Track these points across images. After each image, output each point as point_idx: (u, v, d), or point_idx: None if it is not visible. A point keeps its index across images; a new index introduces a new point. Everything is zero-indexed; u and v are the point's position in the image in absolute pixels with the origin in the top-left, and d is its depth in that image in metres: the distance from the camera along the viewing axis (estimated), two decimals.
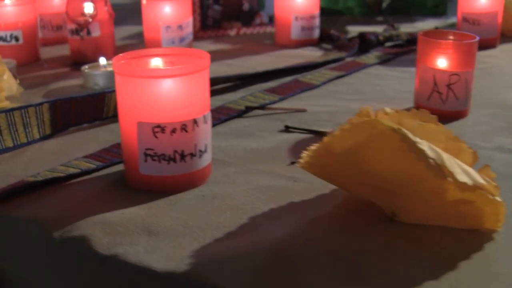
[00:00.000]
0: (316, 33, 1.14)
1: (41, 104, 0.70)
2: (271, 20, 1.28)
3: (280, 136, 0.71)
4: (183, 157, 0.56)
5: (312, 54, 1.08)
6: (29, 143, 0.70)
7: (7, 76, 0.83)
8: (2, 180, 0.60)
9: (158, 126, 0.55)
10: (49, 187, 0.58)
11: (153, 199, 0.56)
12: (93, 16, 1.03)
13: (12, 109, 0.68)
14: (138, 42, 1.18)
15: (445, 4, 1.44)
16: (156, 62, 0.60)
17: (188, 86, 0.56)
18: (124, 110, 0.57)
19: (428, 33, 0.79)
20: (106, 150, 0.66)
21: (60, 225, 0.52)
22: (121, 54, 0.59)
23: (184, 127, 0.56)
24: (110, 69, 0.91)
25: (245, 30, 1.26)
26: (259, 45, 1.16)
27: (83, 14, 1.04)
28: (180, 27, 1.03)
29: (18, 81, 0.85)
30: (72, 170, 0.61)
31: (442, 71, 0.75)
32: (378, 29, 1.27)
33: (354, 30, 1.27)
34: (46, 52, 1.13)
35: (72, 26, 1.04)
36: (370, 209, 0.52)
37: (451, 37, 0.78)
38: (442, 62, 0.75)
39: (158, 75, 0.55)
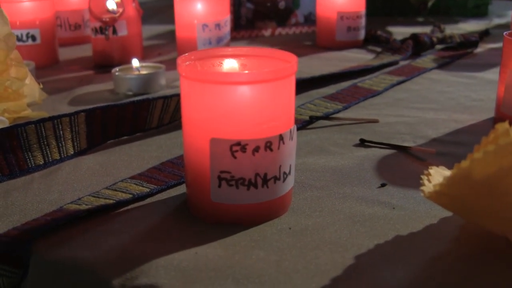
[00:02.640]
0: (362, 34, 1.04)
1: (76, 113, 0.59)
2: (307, 19, 1.17)
3: (357, 151, 0.60)
4: (265, 181, 0.45)
5: (362, 57, 0.98)
6: (62, 160, 0.59)
7: (29, 80, 0.72)
8: (35, 208, 0.49)
9: (238, 143, 0.44)
10: (96, 217, 0.47)
11: (230, 234, 0.45)
12: (120, 14, 0.92)
13: (43, 120, 0.57)
14: (168, 42, 1.08)
15: (486, 5, 1.34)
16: (231, 64, 0.49)
17: (274, 94, 0.45)
18: (193, 123, 0.46)
19: None
20: (157, 169, 0.55)
21: (119, 270, 0.41)
22: (184, 55, 0.49)
23: (268, 145, 0.45)
24: (144, 72, 0.80)
25: (280, 30, 1.15)
26: (299, 47, 1.06)
27: (108, 11, 0.93)
28: (218, 25, 0.92)
29: (41, 86, 0.74)
30: (122, 196, 0.50)
31: None
32: (421, 30, 1.17)
33: (396, 31, 1.17)
34: (64, 54, 1.02)
35: (96, 25, 0.93)
36: (499, 243, 0.42)
37: None
38: None
39: (239, 80, 0.44)
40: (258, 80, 0.44)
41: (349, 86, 0.80)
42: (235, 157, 0.44)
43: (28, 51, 0.93)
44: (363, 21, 1.03)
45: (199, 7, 0.91)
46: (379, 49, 1.02)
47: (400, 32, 1.16)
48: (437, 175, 0.45)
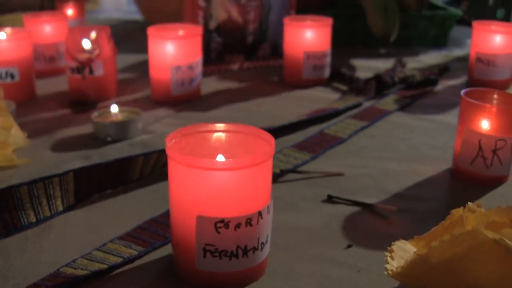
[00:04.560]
0: (327, 72, 1.10)
1: (66, 173, 0.63)
2: (274, 51, 1.22)
3: (325, 208, 0.66)
4: (245, 252, 0.51)
5: (328, 96, 1.04)
6: (52, 216, 0.63)
7: (15, 129, 0.75)
8: (33, 270, 0.53)
9: (222, 221, 0.49)
10: (91, 281, 0.52)
11: None
12: (96, 54, 0.96)
13: (35, 181, 0.61)
14: (141, 74, 1.11)
15: (446, 35, 1.41)
16: (215, 144, 0.54)
17: (254, 177, 0.50)
18: (180, 201, 0.51)
19: (471, 93, 0.75)
20: (142, 229, 0.60)
21: None
22: (172, 133, 0.53)
23: (249, 221, 0.50)
24: (122, 118, 0.84)
25: (248, 64, 1.20)
26: (267, 83, 1.11)
27: (84, 51, 0.97)
28: (190, 67, 0.97)
29: (26, 134, 0.77)
30: (113, 259, 0.54)
31: (489, 136, 0.72)
32: (383, 63, 1.24)
33: (359, 65, 1.23)
34: (41, 86, 1.05)
35: (73, 64, 0.96)
36: None
37: (495, 97, 0.75)
38: (488, 126, 0.72)
39: (223, 167, 0.49)
40: (240, 167, 0.49)
41: (316, 133, 0.86)
42: (219, 233, 0.50)
43: (6, 89, 0.94)
44: (328, 60, 1.09)
45: (172, 49, 0.95)
46: (343, 87, 1.08)
47: (363, 66, 1.22)
48: (400, 251, 0.50)
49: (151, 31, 0.97)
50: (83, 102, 0.97)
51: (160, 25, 1.00)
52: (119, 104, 0.96)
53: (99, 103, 0.98)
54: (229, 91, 1.06)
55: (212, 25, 1.14)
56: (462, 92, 0.74)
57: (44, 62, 1.12)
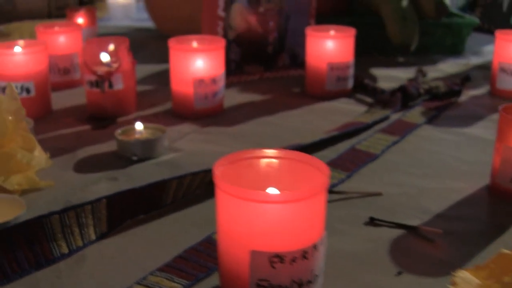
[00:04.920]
0: (351, 83, 1.07)
1: (98, 200, 0.60)
2: (293, 61, 1.20)
3: (368, 231, 0.63)
4: (300, 286, 0.48)
5: (353, 108, 1.01)
6: (85, 246, 0.59)
7: (38, 151, 0.72)
8: None
9: (277, 256, 0.46)
10: None
11: None
12: (116, 67, 0.93)
13: (66, 209, 0.58)
14: (159, 87, 1.08)
15: (463, 43, 1.39)
16: (264, 171, 0.51)
17: (310, 209, 0.47)
18: (230, 234, 0.48)
19: (509, 109, 0.72)
20: (183, 259, 0.57)
21: None
22: (219, 161, 0.50)
23: (304, 255, 0.47)
24: (147, 136, 0.81)
25: (268, 75, 1.17)
26: (288, 95, 1.08)
27: (104, 64, 0.94)
28: (213, 80, 0.93)
29: (48, 154, 0.74)
30: None
31: None
32: (402, 72, 1.22)
33: (380, 74, 1.20)
34: (56, 100, 1.02)
35: (91, 78, 0.93)
36: None
37: None
38: None
39: (278, 200, 0.46)
40: (296, 199, 0.46)
41: (348, 149, 0.83)
42: (273, 267, 0.47)
43: (22, 104, 0.92)
44: (351, 71, 1.06)
45: (195, 62, 0.92)
46: (367, 99, 1.05)
47: (382, 75, 1.19)
48: (463, 283, 0.48)
49: (173, 43, 0.94)
50: (102, 117, 0.94)
51: (181, 36, 0.96)
52: (140, 118, 0.93)
53: (118, 118, 0.95)
54: (252, 104, 1.03)
55: (232, 35, 1.11)
56: (500, 108, 0.71)
57: (58, 74, 1.09)
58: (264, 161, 0.52)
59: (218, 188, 0.48)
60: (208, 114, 0.95)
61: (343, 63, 1.04)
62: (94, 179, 0.74)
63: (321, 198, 0.48)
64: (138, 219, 0.64)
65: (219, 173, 0.49)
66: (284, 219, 0.47)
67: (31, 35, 1.50)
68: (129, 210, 0.63)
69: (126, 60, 0.94)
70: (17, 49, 0.94)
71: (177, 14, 1.42)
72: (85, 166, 0.78)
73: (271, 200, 0.46)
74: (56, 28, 1.11)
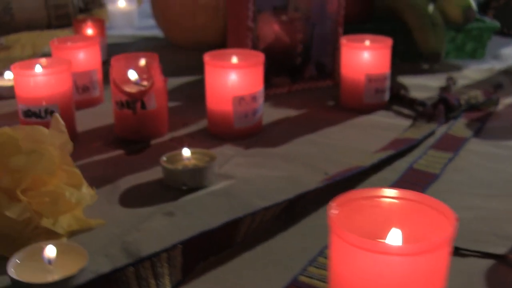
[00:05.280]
0: (387, 95, 1.02)
1: (174, 246, 0.54)
2: (320, 71, 1.14)
3: (456, 262, 0.58)
4: None
5: (394, 122, 0.96)
6: None
7: (85, 187, 0.65)
8: None
9: None
10: None
11: None
12: (149, 86, 0.86)
13: (141, 260, 0.52)
14: (187, 103, 1.01)
15: (484, 48, 1.35)
16: (381, 214, 0.46)
17: (436, 261, 0.42)
18: (347, 284, 0.43)
19: None
20: None
21: None
22: (332, 203, 0.45)
23: None
24: (195, 163, 0.75)
25: (296, 87, 1.12)
26: (324, 109, 1.03)
27: (133, 83, 0.87)
28: (254, 98, 0.88)
29: (94, 190, 0.67)
30: None
31: None
32: (429, 79, 1.18)
33: (410, 83, 1.16)
34: (77, 121, 0.95)
35: (122, 98, 0.86)
36: None
37: None
38: None
39: (402, 252, 0.41)
40: (421, 252, 0.41)
41: (407, 170, 0.78)
42: None
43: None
44: (388, 82, 1.01)
45: (234, 79, 0.86)
46: (404, 111, 1.01)
47: (412, 84, 1.15)
48: None
49: (209, 59, 0.88)
50: (133, 140, 0.88)
51: (215, 51, 0.90)
52: (176, 141, 0.87)
53: (152, 140, 0.88)
54: (288, 120, 0.98)
55: (260, 47, 1.05)
56: None
57: (76, 92, 1.02)
58: (381, 201, 0.47)
59: (333, 233, 0.43)
60: (248, 134, 0.89)
61: (381, 74, 0.99)
62: (146, 214, 0.68)
63: (446, 251, 0.43)
64: (210, 261, 0.58)
65: (335, 217, 0.44)
66: (405, 272, 0.42)
67: (34, 48, 1.42)
68: (203, 253, 0.57)
69: (159, 77, 0.88)
70: (38, 68, 0.87)
71: (188, 23, 1.36)
72: (131, 198, 0.72)
73: (394, 252, 0.41)
74: (72, 43, 1.03)
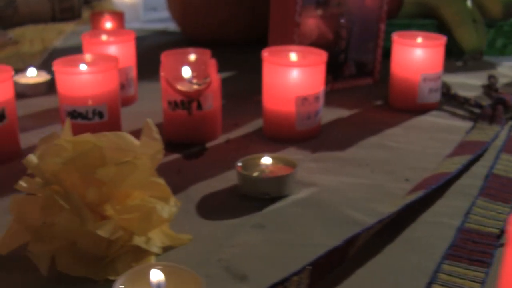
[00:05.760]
0: (439, 95, 0.98)
1: (303, 269, 0.48)
2: (360, 69, 1.10)
3: None
4: None
5: (452, 124, 0.92)
6: None
7: (173, 200, 0.59)
8: None
9: None
10: None
11: None
12: (207, 85, 0.80)
13: (274, 285, 0.46)
14: (229, 103, 0.94)
15: None
16: None
17: None
18: None
19: None
20: None
21: None
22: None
23: None
24: (274, 170, 0.69)
25: (338, 85, 1.07)
26: (374, 109, 0.98)
27: (191, 82, 0.81)
28: (317, 98, 0.82)
29: (179, 202, 0.61)
30: None
31: None
32: (468, 77, 1.14)
33: (449, 81, 1.12)
34: None
35: (176, 98, 0.80)
36: None
37: None
38: None
39: None
40: None
41: (488, 176, 0.74)
42: None
43: (94, 131, 0.77)
44: (440, 82, 0.97)
45: (297, 78, 0.81)
46: (457, 111, 0.97)
47: (453, 83, 1.11)
48: None
49: (268, 55, 0.82)
50: (187, 143, 0.81)
51: (274, 47, 0.85)
52: (233, 143, 0.82)
53: (207, 143, 0.82)
54: (342, 121, 0.93)
55: (305, 43, 1.00)
56: None
57: None
58: None
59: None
60: (309, 136, 0.84)
61: (435, 73, 0.95)
62: (232, 227, 0.62)
63: None
64: (325, 281, 0.53)
65: None
66: None
67: (43, 42, 1.33)
68: (324, 273, 0.52)
69: (215, 76, 0.81)
70: (83, 66, 0.79)
71: (208, 18, 1.29)
72: (209, 209, 0.66)
73: None
74: (106, 37, 0.96)
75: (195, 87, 0.80)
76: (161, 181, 0.58)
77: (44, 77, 1.06)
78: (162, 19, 1.59)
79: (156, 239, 0.56)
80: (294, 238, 0.60)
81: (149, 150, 0.56)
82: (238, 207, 0.66)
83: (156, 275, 0.48)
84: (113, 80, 0.81)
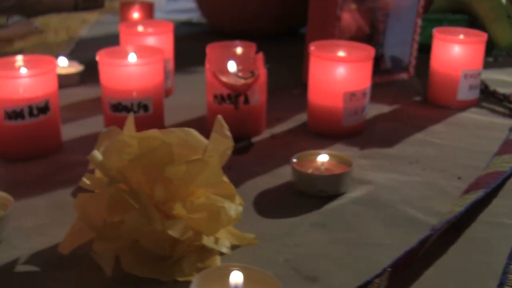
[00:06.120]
0: (478, 92, 0.97)
1: (384, 271, 0.47)
2: (395, 64, 1.09)
3: None
4: None
5: (495, 121, 0.91)
6: None
7: (238, 198, 0.58)
8: None
9: None
10: None
11: None
12: (255, 78, 0.79)
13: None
14: (271, 98, 0.93)
15: None
16: None
17: None
18: None
19: None
20: None
21: None
22: None
23: None
24: (329, 167, 0.68)
25: (375, 80, 1.06)
26: (412, 105, 0.97)
27: (238, 76, 0.80)
28: (364, 94, 0.81)
29: (242, 203, 0.59)
30: None
31: None
32: (503, 74, 1.13)
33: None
34: None
35: (223, 92, 0.79)
36: None
37: None
38: None
39: None
40: None
41: None
42: None
43: (138, 124, 0.76)
44: (480, 78, 0.96)
45: (345, 73, 0.80)
46: (497, 108, 0.96)
47: (488, 79, 1.10)
48: None
49: (316, 50, 0.81)
50: (234, 138, 0.80)
51: (321, 41, 0.84)
52: (279, 138, 0.80)
53: (253, 138, 0.81)
54: (384, 117, 0.92)
55: (344, 37, 0.99)
56: None
57: None
58: None
59: None
60: (354, 132, 0.83)
61: (476, 70, 0.94)
62: (293, 225, 0.61)
63: None
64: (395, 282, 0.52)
65: None
66: None
67: (68, 32, 1.31)
68: (399, 273, 0.51)
69: (262, 69, 0.80)
70: (132, 58, 0.78)
71: (237, 9, 1.27)
72: (267, 207, 0.65)
73: None
74: (143, 28, 0.94)
75: (242, 81, 0.79)
76: (224, 178, 0.57)
77: (76, 67, 1.04)
78: (183, 10, 1.58)
79: (224, 239, 0.55)
80: (357, 238, 0.59)
81: (219, 147, 0.55)
82: (295, 205, 0.65)
83: (236, 277, 0.47)
84: (159, 73, 0.79)
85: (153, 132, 0.55)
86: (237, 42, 0.85)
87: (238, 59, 0.81)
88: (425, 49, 1.08)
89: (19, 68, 0.75)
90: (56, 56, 1.07)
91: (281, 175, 0.71)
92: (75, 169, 0.73)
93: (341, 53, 0.82)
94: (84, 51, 1.21)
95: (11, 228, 0.59)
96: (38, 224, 0.61)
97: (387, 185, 0.69)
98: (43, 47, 1.19)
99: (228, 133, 0.56)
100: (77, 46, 1.24)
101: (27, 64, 0.76)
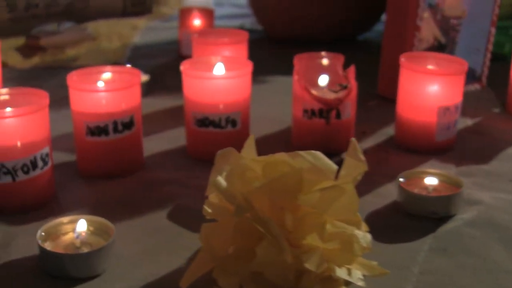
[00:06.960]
0: None
1: None
2: (468, 74, 1.05)
3: None
4: None
5: None
6: None
7: (364, 225, 0.55)
8: None
9: None
10: None
11: None
12: (348, 93, 0.76)
13: None
14: (367, 119, 0.90)
15: None
16: None
17: None
18: None
19: None
20: None
21: None
22: None
23: None
24: (437, 187, 0.65)
25: None
26: (495, 117, 0.94)
27: (330, 89, 0.77)
28: (457, 108, 0.78)
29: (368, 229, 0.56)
30: None
31: None
32: None
33: None
34: None
35: (314, 106, 0.76)
36: None
37: None
38: None
39: None
40: None
41: None
42: None
43: (226, 140, 0.74)
44: None
45: (442, 87, 0.76)
46: None
47: None
48: None
49: (407, 62, 0.78)
50: (324, 154, 0.77)
51: (411, 53, 0.81)
52: (372, 154, 0.78)
53: (342, 154, 0.78)
54: (469, 130, 0.89)
55: (421, 48, 0.96)
56: None
57: None
58: None
59: None
60: (446, 147, 0.80)
61: None
62: (412, 251, 0.58)
63: None
64: None
65: None
66: None
67: (120, 38, 1.29)
68: None
69: (354, 82, 0.77)
70: (220, 68, 0.75)
71: (297, 14, 1.24)
72: (378, 229, 0.61)
73: None
74: (216, 38, 0.91)
75: (333, 94, 0.76)
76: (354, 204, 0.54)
77: (141, 76, 1.01)
78: (230, 15, 1.55)
79: (355, 270, 0.52)
80: (483, 264, 0.56)
81: (352, 172, 0.52)
82: (408, 227, 0.62)
83: None
84: (247, 86, 0.77)
85: (280, 156, 0.52)
86: (324, 53, 0.82)
87: (326, 71, 0.78)
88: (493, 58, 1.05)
89: (105, 81, 0.73)
90: (116, 64, 1.04)
91: (385, 194, 0.68)
92: (162, 188, 0.71)
93: (431, 66, 0.79)
94: (143, 58, 1.18)
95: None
96: (140, 251, 0.58)
97: (497, 205, 0.66)
98: (96, 54, 1.17)
99: (362, 157, 0.53)
100: (132, 53, 1.21)
101: (114, 76, 0.74)
